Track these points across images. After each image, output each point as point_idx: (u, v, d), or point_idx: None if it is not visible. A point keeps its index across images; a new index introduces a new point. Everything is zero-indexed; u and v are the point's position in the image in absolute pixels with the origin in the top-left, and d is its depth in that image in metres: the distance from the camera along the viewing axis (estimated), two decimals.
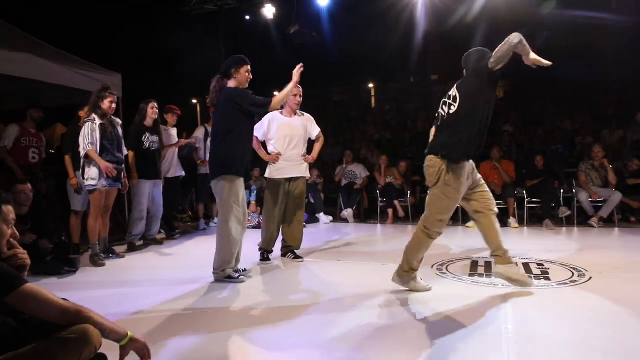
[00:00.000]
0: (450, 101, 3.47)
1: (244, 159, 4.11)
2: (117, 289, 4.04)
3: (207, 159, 7.18)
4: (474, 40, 9.65)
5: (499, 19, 8.96)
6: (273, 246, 4.93)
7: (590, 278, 3.92)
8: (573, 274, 4.08)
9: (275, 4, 9.33)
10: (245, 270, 4.39)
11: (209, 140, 7.26)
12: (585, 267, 4.23)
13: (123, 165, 5.13)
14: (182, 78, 9.81)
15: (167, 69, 9.84)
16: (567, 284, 3.80)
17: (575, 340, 2.66)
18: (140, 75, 9.02)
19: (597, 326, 2.87)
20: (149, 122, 5.75)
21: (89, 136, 4.74)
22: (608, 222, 6.78)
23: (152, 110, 5.74)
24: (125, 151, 5.25)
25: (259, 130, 4.84)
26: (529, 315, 3.09)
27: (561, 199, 7.05)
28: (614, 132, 8.88)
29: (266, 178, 4.97)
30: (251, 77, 4.16)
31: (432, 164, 3.49)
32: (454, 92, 3.47)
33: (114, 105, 4.96)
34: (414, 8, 9.37)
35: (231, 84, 4.10)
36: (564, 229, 6.59)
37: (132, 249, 5.61)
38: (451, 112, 3.44)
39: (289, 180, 4.86)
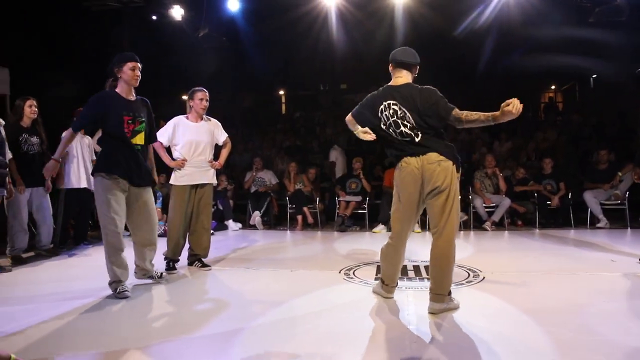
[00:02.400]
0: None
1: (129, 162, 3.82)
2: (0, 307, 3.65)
3: None
4: (382, 52, 10.02)
5: (407, 32, 9.39)
6: (179, 255, 4.75)
7: (484, 278, 4.21)
8: (469, 274, 4.36)
9: (183, 5, 9.07)
10: (162, 275, 4.31)
11: None
12: (480, 268, 4.54)
13: (7, 169, 4.66)
14: (83, 78, 9.20)
15: (65, 67, 9.16)
16: (463, 284, 4.05)
17: (473, 337, 2.83)
18: (33, 72, 8.30)
19: (490, 322, 3.07)
20: (26, 122, 5.28)
21: None
22: (499, 226, 7.34)
23: (30, 109, 5.26)
24: (9, 154, 4.79)
25: (163, 135, 4.66)
26: (429, 315, 3.23)
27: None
28: (503, 143, 9.64)
29: (171, 184, 4.78)
30: (138, 74, 3.79)
31: None
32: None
33: None
34: (326, 18, 9.57)
35: (119, 84, 3.83)
36: (462, 232, 7.02)
37: (18, 261, 5.09)
38: None
39: (195, 186, 4.73)
